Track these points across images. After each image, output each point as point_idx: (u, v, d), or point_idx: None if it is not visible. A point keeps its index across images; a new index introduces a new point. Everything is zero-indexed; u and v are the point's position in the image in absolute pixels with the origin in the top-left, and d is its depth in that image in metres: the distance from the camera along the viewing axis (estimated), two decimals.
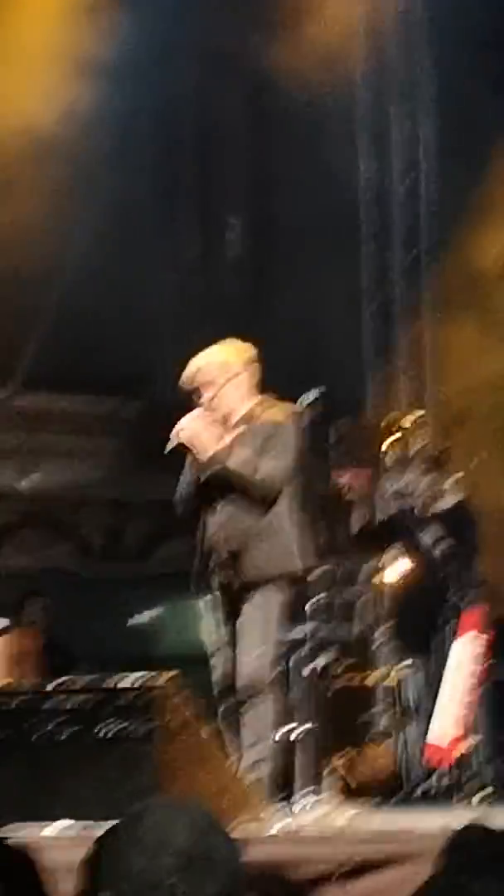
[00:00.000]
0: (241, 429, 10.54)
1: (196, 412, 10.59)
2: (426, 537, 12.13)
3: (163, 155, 18.53)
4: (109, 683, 10.72)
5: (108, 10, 16.04)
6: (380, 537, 11.87)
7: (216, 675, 10.81)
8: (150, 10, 16.28)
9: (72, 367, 17.96)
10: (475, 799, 11.53)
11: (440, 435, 16.26)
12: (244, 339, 11.40)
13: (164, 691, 10.27)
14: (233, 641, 10.69)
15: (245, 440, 10.51)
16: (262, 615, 10.54)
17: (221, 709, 10.75)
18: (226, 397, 10.56)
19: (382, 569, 12.42)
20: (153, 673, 10.59)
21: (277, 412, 10.71)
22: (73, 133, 15.80)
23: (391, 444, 13.01)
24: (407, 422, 14.07)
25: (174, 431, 10.60)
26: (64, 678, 11.66)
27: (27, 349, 17.49)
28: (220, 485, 10.46)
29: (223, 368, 10.65)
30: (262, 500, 10.46)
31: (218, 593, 10.76)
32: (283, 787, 10.94)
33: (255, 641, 10.53)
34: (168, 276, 20.04)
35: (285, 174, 18.24)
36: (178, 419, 18.41)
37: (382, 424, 13.83)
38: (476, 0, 17.79)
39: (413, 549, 12.17)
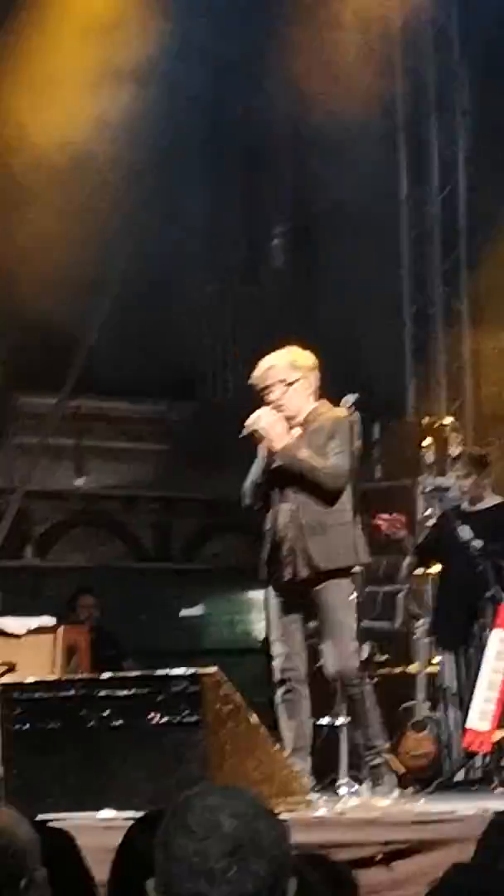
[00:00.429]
0: (308, 426, 10.61)
1: (266, 408, 10.59)
2: (465, 533, 12.06)
3: (209, 169, 18.49)
4: (159, 674, 10.76)
5: (155, 21, 16.01)
6: (433, 543, 11.83)
7: (278, 661, 10.70)
8: (192, 25, 16.24)
9: (121, 372, 17.94)
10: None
11: (478, 435, 16.24)
12: (288, 344, 11.46)
13: (211, 681, 10.23)
14: (298, 632, 10.66)
15: (312, 436, 10.59)
16: (339, 609, 10.53)
17: (281, 692, 10.73)
18: (294, 398, 10.60)
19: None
20: (200, 667, 10.61)
21: (338, 413, 10.73)
22: (120, 146, 15.75)
23: (430, 443, 12.95)
24: (445, 422, 14.08)
25: (249, 420, 10.62)
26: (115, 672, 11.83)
27: (79, 356, 17.47)
28: (289, 476, 10.49)
29: (292, 371, 10.65)
30: (329, 493, 10.50)
31: (284, 584, 10.68)
32: (328, 773, 10.93)
33: (339, 633, 10.51)
34: (213, 286, 20.05)
35: (327, 186, 18.16)
36: (224, 421, 18.47)
37: (422, 424, 13.79)
38: None
39: (452, 544, 12.09)
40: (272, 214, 20.93)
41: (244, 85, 17.41)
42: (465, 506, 12.46)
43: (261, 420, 10.55)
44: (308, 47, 16.53)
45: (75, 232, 15.44)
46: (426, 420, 14.12)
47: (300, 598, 10.57)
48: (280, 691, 10.72)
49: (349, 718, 10.67)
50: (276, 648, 10.81)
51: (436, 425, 13.73)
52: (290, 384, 10.64)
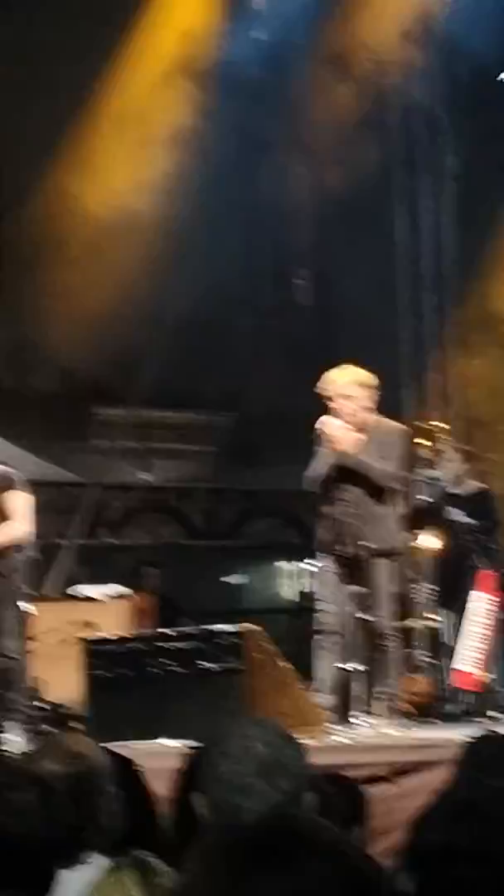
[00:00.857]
0: (369, 434, 10.58)
1: (331, 416, 10.54)
2: (455, 514, 12.03)
3: (244, 222, 18.38)
4: (210, 630, 10.86)
5: (194, 99, 15.99)
6: (425, 516, 11.80)
7: (321, 615, 10.70)
8: (226, 101, 16.17)
9: (176, 388, 17.95)
10: (492, 717, 11.44)
11: (463, 436, 16.15)
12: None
13: (249, 635, 10.39)
14: (343, 595, 10.61)
15: (373, 443, 10.56)
16: (388, 583, 10.64)
17: (320, 640, 10.69)
18: (357, 410, 10.51)
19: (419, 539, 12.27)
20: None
21: (392, 425, 10.92)
22: (169, 203, 15.69)
23: (424, 442, 12.92)
24: (436, 426, 14.05)
25: (320, 422, 10.55)
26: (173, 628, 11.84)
27: (142, 376, 17.45)
28: (351, 473, 10.45)
29: (356, 388, 10.56)
30: (382, 491, 10.56)
31: (339, 558, 10.65)
32: (346, 707, 10.92)
33: (387, 602, 10.60)
34: (249, 320, 19.99)
35: (340, 239, 18.09)
36: (258, 428, 18.34)
37: (418, 427, 13.74)
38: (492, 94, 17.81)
39: (443, 523, 12.05)
40: (296, 261, 20.84)
41: (269, 152, 17.26)
42: (453, 491, 12.40)
43: (327, 426, 10.47)
44: (321, 122, 16.46)
45: (141, 276, 15.40)
46: (421, 424, 14.04)
47: (349, 570, 10.53)
48: (319, 638, 10.68)
49: (366, 666, 10.69)
50: (323, 605, 10.78)
51: (428, 428, 13.65)
52: (353, 398, 10.53)
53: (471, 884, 3.10)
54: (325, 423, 10.45)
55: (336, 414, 10.46)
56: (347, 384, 10.55)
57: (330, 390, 10.55)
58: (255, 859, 2.66)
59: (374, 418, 10.64)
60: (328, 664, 10.66)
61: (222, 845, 2.90)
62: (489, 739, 5.04)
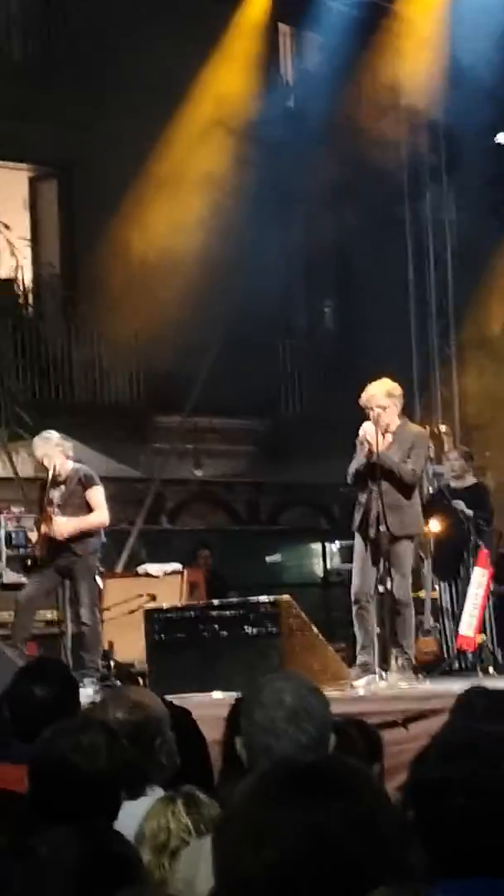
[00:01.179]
0: (397, 436, 10.63)
1: (368, 422, 10.55)
2: (458, 504, 12.03)
3: (278, 260, 18.39)
4: (252, 600, 10.92)
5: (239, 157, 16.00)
6: (431, 505, 11.81)
7: (355, 587, 10.72)
8: (261, 161, 16.17)
9: (222, 399, 17.88)
10: (488, 672, 11.44)
11: (462, 438, 16.13)
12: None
13: (285, 605, 10.40)
14: (372, 570, 10.66)
15: (401, 444, 10.61)
16: (406, 561, 10.68)
17: (356, 608, 10.70)
18: (386, 416, 10.52)
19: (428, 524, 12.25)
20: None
21: (415, 428, 11.05)
22: (214, 242, 15.70)
23: (431, 443, 12.92)
24: (441, 429, 14.05)
25: (362, 428, 10.61)
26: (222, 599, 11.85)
27: (193, 389, 17.44)
28: (381, 470, 10.43)
29: (386, 398, 10.58)
30: (407, 485, 10.60)
31: (369, 539, 10.65)
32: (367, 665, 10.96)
33: (404, 577, 10.64)
34: (283, 341, 20.01)
35: (360, 273, 18.07)
36: (292, 432, 18.35)
37: (426, 426, 13.75)
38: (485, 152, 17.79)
39: (445, 511, 12.05)
40: (323, 293, 20.84)
41: (296, 200, 17.23)
42: (453, 484, 12.38)
43: (365, 430, 10.52)
44: (340, 174, 16.44)
45: (192, 305, 15.42)
46: (428, 427, 14.01)
47: (377, 550, 10.53)
48: (355, 608, 10.67)
49: (386, 630, 10.74)
50: (356, 579, 10.78)
51: (435, 431, 13.65)
52: (385, 408, 10.54)
53: (462, 812, 3.13)
54: (365, 429, 10.52)
55: (374, 420, 10.53)
56: (382, 395, 10.62)
57: (369, 401, 10.63)
58: (283, 794, 2.70)
59: (399, 422, 10.72)
60: (363, 627, 10.70)
61: (256, 781, 2.95)
62: (479, 691, 5.06)
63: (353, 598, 10.76)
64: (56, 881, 2.83)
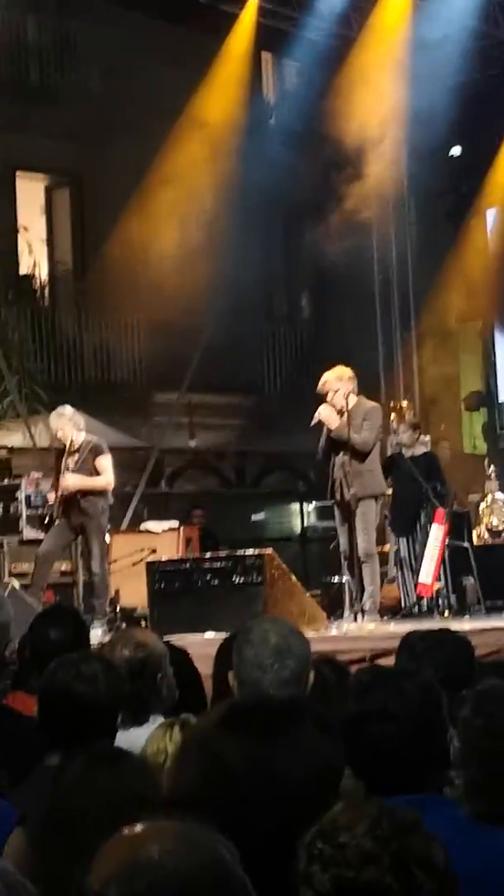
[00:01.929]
0: (351, 413, 10.61)
1: (326, 404, 10.70)
2: (413, 469, 12.02)
3: (263, 261, 18.34)
4: (239, 554, 10.93)
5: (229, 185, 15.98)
6: (387, 469, 11.79)
7: (343, 544, 10.96)
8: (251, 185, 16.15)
9: (213, 378, 17.89)
10: (444, 615, 11.47)
11: (422, 411, 16.17)
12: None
13: (269, 558, 10.40)
14: (347, 530, 10.77)
15: (354, 420, 10.59)
16: (368, 518, 10.73)
17: (345, 564, 10.97)
18: (340, 396, 10.58)
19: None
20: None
21: (369, 404, 10.98)
22: (209, 249, 15.66)
23: (393, 417, 12.90)
24: (402, 405, 14.03)
25: (316, 413, 10.78)
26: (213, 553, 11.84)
27: (189, 369, 17.42)
28: (340, 444, 10.53)
29: (339, 382, 10.67)
30: (361, 454, 10.63)
31: (338, 502, 10.84)
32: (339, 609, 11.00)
33: (367, 532, 10.68)
34: (266, 327, 19.99)
35: (334, 271, 18.02)
36: (274, 407, 18.31)
37: (389, 405, 13.73)
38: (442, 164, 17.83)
39: (406, 475, 12.04)
40: (301, 287, 20.81)
41: (280, 211, 17.18)
42: (406, 454, 12.36)
43: (322, 412, 10.63)
44: (317, 187, 16.42)
45: (188, 298, 15.36)
46: (391, 403, 14.02)
47: (347, 510, 10.67)
48: (342, 557, 10.92)
49: (352, 577, 10.79)
50: (340, 538, 11.02)
51: (397, 406, 13.63)
52: (337, 390, 10.62)
53: (378, 738, 3.15)
54: (319, 412, 10.61)
55: (329, 402, 10.55)
56: (333, 380, 10.66)
57: (323, 387, 10.73)
58: (268, 724, 2.70)
59: (354, 400, 10.66)
60: (347, 574, 10.96)
61: (246, 708, 2.95)
62: (418, 633, 5.08)
63: (342, 553, 11.01)
64: (90, 799, 2.80)
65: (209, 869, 1.86)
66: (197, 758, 2.63)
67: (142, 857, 1.88)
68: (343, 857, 2.14)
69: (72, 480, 10.91)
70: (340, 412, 10.60)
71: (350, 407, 10.59)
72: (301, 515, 17.56)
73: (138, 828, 1.99)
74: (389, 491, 11.77)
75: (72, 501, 11.06)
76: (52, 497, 11.57)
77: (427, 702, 3.32)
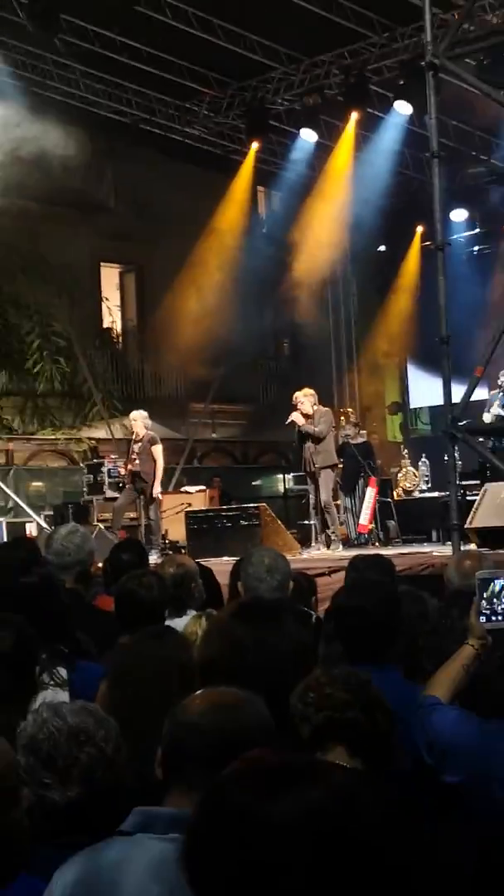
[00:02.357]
0: (313, 415, 10.44)
1: (296, 411, 10.49)
2: (355, 452, 11.95)
3: (259, 319, 18.25)
4: (245, 506, 10.88)
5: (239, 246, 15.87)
6: (339, 452, 11.71)
7: (311, 499, 10.73)
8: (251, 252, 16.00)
9: (227, 393, 17.89)
10: (375, 545, 11.40)
11: (360, 415, 16.09)
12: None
13: (263, 509, 10.36)
14: (314, 490, 10.61)
15: (314, 419, 10.42)
16: (327, 482, 10.50)
17: (313, 512, 10.76)
18: (306, 406, 10.42)
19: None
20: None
21: (323, 409, 10.68)
22: (224, 302, 15.46)
23: (342, 417, 12.85)
24: (347, 409, 14.02)
25: (290, 416, 10.49)
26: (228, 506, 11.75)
27: (212, 388, 17.44)
28: (307, 435, 10.37)
29: (306, 396, 10.52)
30: (320, 440, 10.40)
31: (306, 472, 10.67)
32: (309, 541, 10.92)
33: (326, 490, 10.47)
34: (261, 360, 19.95)
35: (303, 326, 17.99)
36: (267, 414, 18.23)
37: (339, 410, 13.66)
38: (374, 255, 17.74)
39: (351, 455, 11.97)
40: (283, 333, 20.71)
41: (271, 280, 17.01)
42: (351, 441, 12.27)
43: (294, 416, 10.43)
44: (293, 270, 16.31)
45: (210, 342, 15.35)
46: (341, 409, 13.97)
47: (313, 477, 10.52)
48: (310, 507, 10.76)
49: (317, 521, 10.69)
50: (309, 493, 10.80)
51: (345, 412, 13.58)
52: (302, 402, 10.44)
53: (355, 621, 3.11)
54: (292, 416, 10.45)
55: (299, 409, 10.45)
56: (300, 396, 10.55)
57: (294, 400, 10.61)
58: (261, 615, 2.67)
59: (316, 409, 10.56)
60: (312, 520, 10.80)
61: (249, 606, 2.91)
62: (361, 556, 5.02)
63: (311, 507, 10.79)
64: (145, 661, 2.74)
65: (262, 716, 1.91)
66: (217, 638, 2.64)
67: (222, 702, 1.93)
68: (330, 702, 2.18)
69: (155, 489, 10.96)
70: (306, 416, 10.51)
71: (312, 412, 10.51)
72: (283, 481, 17.54)
73: (212, 690, 2.04)
74: (341, 464, 11.70)
75: (136, 473, 11.03)
76: (122, 471, 11.64)
77: (387, 602, 3.22)
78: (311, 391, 10.78)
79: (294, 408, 10.66)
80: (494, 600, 2.71)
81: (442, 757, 2.61)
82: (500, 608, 2.70)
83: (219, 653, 2.54)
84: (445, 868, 1.86)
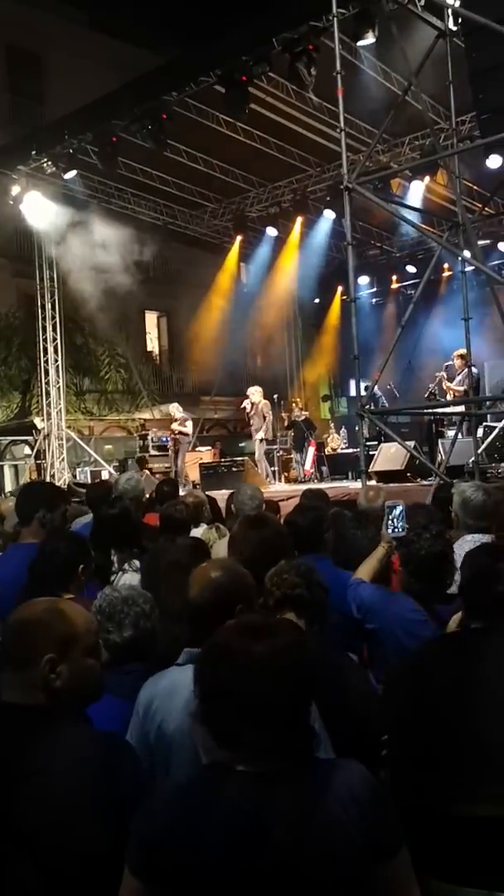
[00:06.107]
0: (262, 410, 10.11)
1: (247, 400, 10.17)
2: (301, 426, 11.81)
3: (242, 343, 17.80)
4: (235, 459, 10.67)
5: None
6: (290, 426, 11.55)
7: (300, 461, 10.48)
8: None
9: (224, 389, 17.48)
10: (315, 482, 11.29)
11: (304, 402, 15.88)
12: (265, 385, 11.17)
13: (247, 462, 10.10)
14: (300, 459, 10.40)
15: (262, 410, 10.12)
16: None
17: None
18: (255, 398, 10.16)
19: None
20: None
21: (264, 401, 10.31)
22: (230, 325, 15.06)
23: (293, 403, 12.66)
24: (297, 398, 13.85)
25: (243, 403, 10.24)
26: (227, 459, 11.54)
27: (214, 385, 17.15)
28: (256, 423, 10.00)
29: (254, 393, 10.29)
30: (265, 420, 10.09)
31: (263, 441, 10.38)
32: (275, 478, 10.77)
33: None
34: (242, 370, 19.45)
35: (267, 351, 17.60)
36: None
37: (291, 400, 13.46)
38: (315, 307, 17.35)
39: (299, 427, 11.84)
40: (256, 350, 20.17)
41: (253, 316, 16.52)
42: (297, 419, 12.06)
43: (244, 406, 10.15)
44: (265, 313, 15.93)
45: (213, 358, 15.04)
46: (292, 399, 13.79)
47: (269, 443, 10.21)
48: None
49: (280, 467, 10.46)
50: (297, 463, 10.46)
51: (295, 400, 13.42)
52: (252, 395, 10.13)
53: (300, 532, 3.01)
54: (244, 405, 10.16)
55: (250, 401, 10.15)
56: (252, 392, 10.28)
57: (248, 392, 10.26)
58: (251, 522, 2.62)
59: (262, 401, 10.28)
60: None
61: (251, 518, 2.84)
62: (310, 489, 4.96)
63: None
64: (172, 554, 2.69)
65: (247, 577, 1.88)
66: (241, 533, 2.56)
67: (224, 566, 1.88)
68: (285, 582, 2.16)
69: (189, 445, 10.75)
70: (253, 404, 10.28)
71: (259, 402, 10.27)
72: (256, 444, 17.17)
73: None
74: (293, 433, 11.49)
75: (175, 439, 10.91)
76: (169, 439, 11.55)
77: (318, 518, 3.11)
78: (258, 388, 10.56)
79: (247, 397, 10.48)
80: (395, 520, 2.73)
81: (365, 613, 2.64)
82: (399, 524, 2.76)
83: (242, 538, 2.51)
84: (366, 683, 1.90)
